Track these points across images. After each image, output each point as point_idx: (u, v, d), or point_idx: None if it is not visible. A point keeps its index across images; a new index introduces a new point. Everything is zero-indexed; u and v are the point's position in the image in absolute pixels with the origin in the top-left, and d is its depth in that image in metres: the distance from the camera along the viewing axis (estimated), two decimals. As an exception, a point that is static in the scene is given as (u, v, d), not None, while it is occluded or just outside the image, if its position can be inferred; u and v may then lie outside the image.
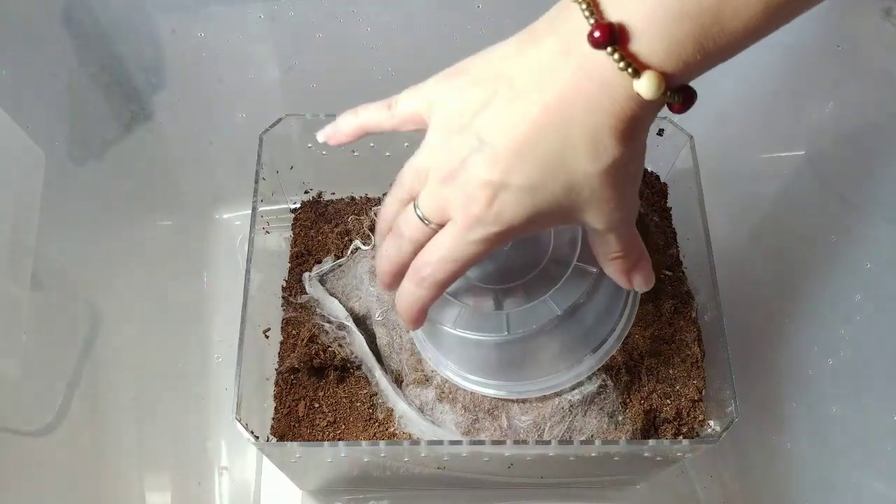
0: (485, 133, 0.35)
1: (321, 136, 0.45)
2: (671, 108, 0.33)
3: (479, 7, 0.64)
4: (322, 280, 0.55)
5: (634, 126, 0.34)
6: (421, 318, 0.43)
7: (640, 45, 0.31)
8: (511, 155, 0.35)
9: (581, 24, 0.32)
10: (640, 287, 0.44)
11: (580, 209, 0.37)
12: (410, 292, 0.41)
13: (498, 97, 0.35)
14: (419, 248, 0.41)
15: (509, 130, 0.35)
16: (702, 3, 0.30)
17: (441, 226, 0.39)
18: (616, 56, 0.31)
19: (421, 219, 0.39)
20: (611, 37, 0.31)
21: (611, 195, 0.36)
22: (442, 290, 0.41)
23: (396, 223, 0.42)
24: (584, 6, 0.32)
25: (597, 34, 0.31)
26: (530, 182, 0.35)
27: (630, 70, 0.31)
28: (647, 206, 0.57)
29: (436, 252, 0.39)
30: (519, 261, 0.47)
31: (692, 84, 0.34)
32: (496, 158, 0.35)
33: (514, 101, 0.35)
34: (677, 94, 0.33)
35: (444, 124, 0.38)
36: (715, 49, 0.31)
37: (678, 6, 0.30)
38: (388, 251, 0.43)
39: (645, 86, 0.31)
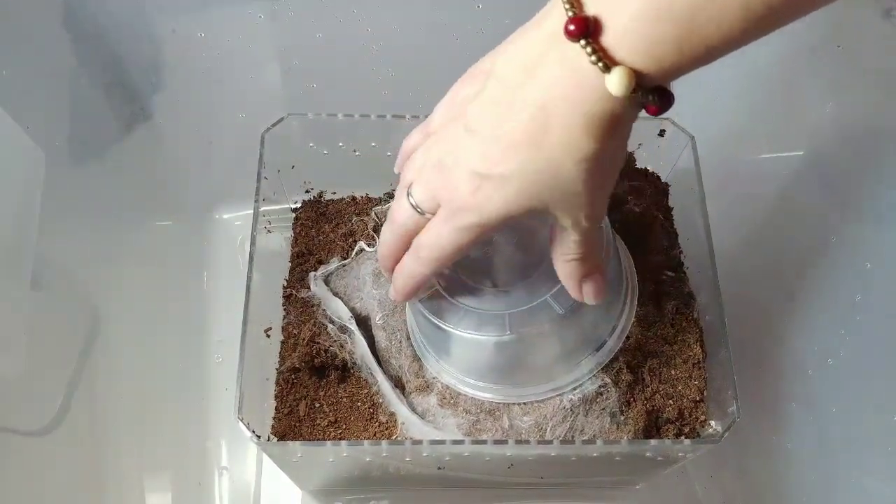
0: (473, 123, 0.37)
1: (397, 168, 0.46)
2: (647, 110, 0.33)
3: (479, 7, 0.64)
4: (326, 280, 0.55)
5: (609, 124, 0.34)
6: (412, 292, 0.45)
7: (614, 40, 0.31)
8: (494, 145, 0.36)
9: (563, 18, 0.32)
10: (588, 299, 0.43)
11: (552, 202, 0.37)
12: (408, 265, 0.44)
13: (486, 90, 0.36)
14: (410, 234, 0.42)
15: (493, 122, 0.36)
16: (676, 5, 0.30)
17: (433, 214, 0.40)
18: (588, 49, 0.31)
19: (413, 207, 0.41)
20: (585, 29, 0.31)
21: (580, 191, 0.36)
22: (436, 268, 0.42)
23: (391, 210, 0.43)
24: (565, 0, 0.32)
25: (572, 27, 0.31)
26: (510, 172, 0.36)
27: (601, 64, 0.31)
28: (652, 206, 0.57)
29: (428, 237, 0.41)
30: (519, 262, 0.48)
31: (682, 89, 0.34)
32: (482, 149, 0.36)
33: (501, 94, 0.35)
34: (652, 94, 0.33)
35: (444, 117, 0.40)
36: (691, 53, 0.31)
37: (654, 5, 0.30)
38: (383, 236, 0.45)
39: (615, 81, 0.31)
